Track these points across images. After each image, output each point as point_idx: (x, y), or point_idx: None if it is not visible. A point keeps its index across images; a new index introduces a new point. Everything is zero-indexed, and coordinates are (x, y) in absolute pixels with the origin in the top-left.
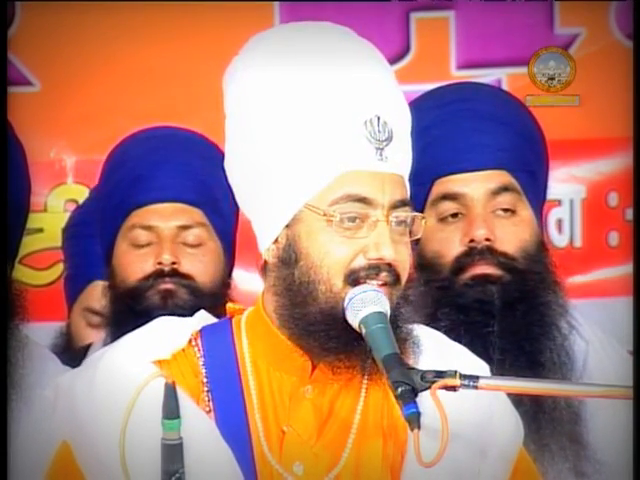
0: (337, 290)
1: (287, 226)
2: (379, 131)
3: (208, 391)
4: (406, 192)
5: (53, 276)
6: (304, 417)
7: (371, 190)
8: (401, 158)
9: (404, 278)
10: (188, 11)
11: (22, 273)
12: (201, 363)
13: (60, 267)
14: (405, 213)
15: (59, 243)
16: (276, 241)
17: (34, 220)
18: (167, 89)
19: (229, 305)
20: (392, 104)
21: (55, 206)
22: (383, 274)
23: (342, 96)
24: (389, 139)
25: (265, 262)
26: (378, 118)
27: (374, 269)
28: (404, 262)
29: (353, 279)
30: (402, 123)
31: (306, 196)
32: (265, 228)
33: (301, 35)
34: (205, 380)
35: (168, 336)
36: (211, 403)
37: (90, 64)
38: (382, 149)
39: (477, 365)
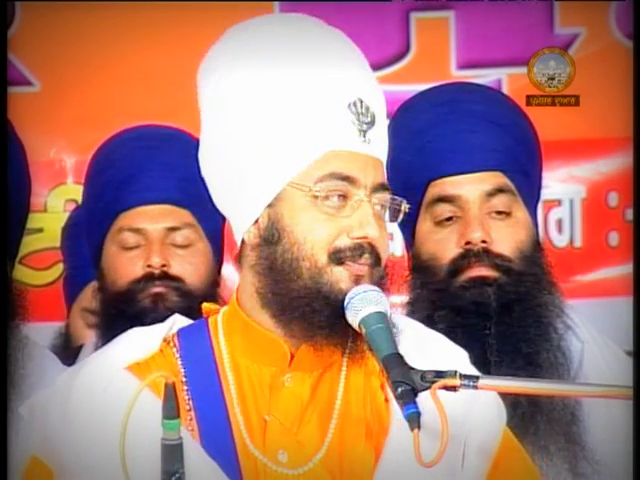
0: (321, 265)
1: (269, 206)
2: (362, 113)
3: (187, 390)
4: (385, 177)
5: (53, 276)
6: (285, 406)
7: (355, 170)
8: (381, 143)
9: (384, 260)
10: (188, 11)
11: (22, 273)
12: (179, 363)
13: (60, 267)
14: (386, 196)
15: (59, 243)
16: (256, 222)
17: (34, 220)
18: (167, 89)
19: (204, 305)
20: (372, 90)
21: (55, 206)
22: (366, 255)
23: (324, 79)
24: (372, 123)
25: (241, 250)
26: (361, 101)
27: (358, 249)
28: (384, 244)
29: (337, 257)
30: (382, 109)
31: (290, 174)
32: (244, 210)
33: (275, 25)
34: (184, 379)
35: (140, 344)
36: (191, 402)
37: (90, 64)
38: (365, 132)
39: (456, 353)
